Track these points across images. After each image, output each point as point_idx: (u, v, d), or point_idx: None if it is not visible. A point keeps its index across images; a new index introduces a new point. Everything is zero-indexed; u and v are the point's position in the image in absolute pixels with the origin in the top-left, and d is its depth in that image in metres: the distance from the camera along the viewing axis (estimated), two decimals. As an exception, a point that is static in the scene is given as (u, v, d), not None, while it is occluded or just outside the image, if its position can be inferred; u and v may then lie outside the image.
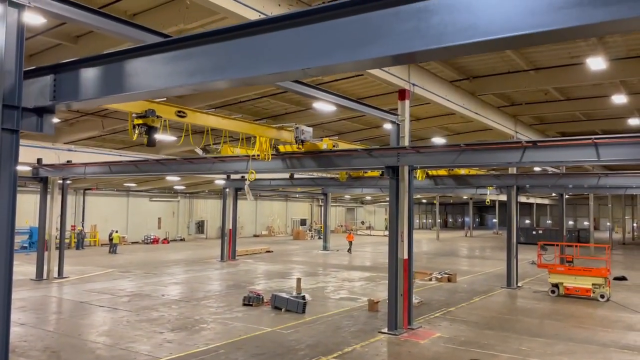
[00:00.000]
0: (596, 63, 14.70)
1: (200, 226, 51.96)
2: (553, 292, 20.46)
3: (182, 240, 48.30)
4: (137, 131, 11.19)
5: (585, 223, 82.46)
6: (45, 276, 22.63)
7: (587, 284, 19.82)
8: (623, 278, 25.50)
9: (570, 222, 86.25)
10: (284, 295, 16.84)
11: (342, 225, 69.08)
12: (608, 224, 56.02)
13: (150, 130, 11.08)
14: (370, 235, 63.31)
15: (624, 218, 64.55)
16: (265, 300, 17.32)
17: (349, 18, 4.26)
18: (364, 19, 4.18)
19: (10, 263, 5.66)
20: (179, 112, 11.70)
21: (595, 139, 11.14)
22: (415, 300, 16.89)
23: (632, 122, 23.58)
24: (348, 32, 4.26)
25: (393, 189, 14.29)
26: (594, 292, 19.63)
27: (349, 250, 39.27)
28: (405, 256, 14.35)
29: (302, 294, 17.30)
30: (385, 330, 13.96)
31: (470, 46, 3.77)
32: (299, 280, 18.34)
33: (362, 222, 73.53)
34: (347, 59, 4.27)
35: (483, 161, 13.01)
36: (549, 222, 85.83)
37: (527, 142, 11.97)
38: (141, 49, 5.57)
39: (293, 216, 63.21)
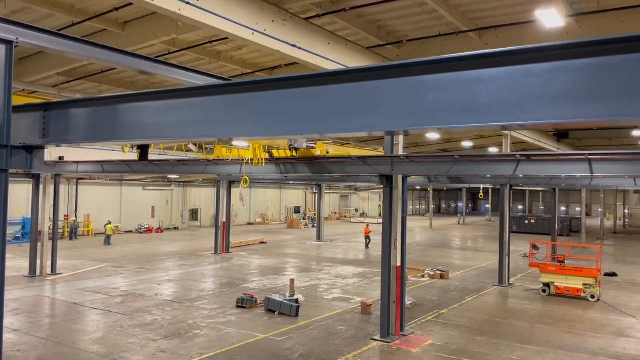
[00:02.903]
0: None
1: (194, 214, 51.93)
2: (544, 291, 20.67)
3: (176, 229, 48.27)
4: (129, 144, 11.11)
5: (578, 209, 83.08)
6: (38, 272, 22.62)
7: (578, 284, 20.03)
8: (613, 274, 25.75)
9: (563, 208, 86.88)
10: (277, 298, 16.90)
11: (336, 213, 69.23)
12: (600, 210, 56.34)
13: (143, 144, 10.99)
14: (364, 222, 63.42)
15: (615, 205, 64.85)
16: (259, 302, 17.40)
17: (346, 85, 4.20)
18: (360, 87, 4.12)
19: (2, 284, 5.54)
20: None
21: (589, 154, 11.17)
22: (407, 301, 17.04)
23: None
24: (343, 99, 4.19)
25: (387, 197, 14.28)
26: (584, 292, 19.85)
27: (367, 245, 36.53)
28: (399, 263, 14.42)
29: (295, 296, 17.37)
30: (378, 337, 14.08)
31: (463, 128, 3.73)
32: (292, 281, 18.40)
33: (356, 210, 73.67)
34: (340, 127, 4.21)
35: (477, 173, 13.02)
36: (542, 207, 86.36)
37: (522, 155, 11.97)
38: (133, 95, 5.48)
39: (287, 204, 63.24)
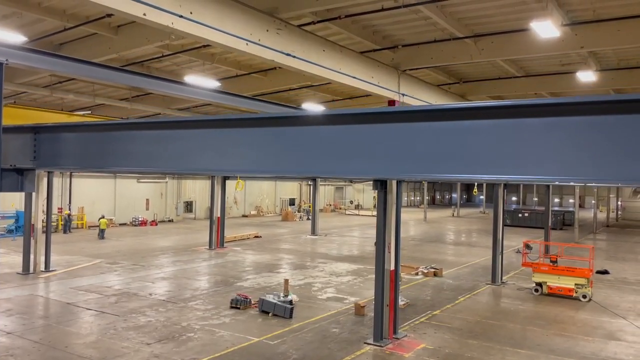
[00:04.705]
0: (586, 76, 14.67)
1: (189, 206, 51.85)
2: (537, 290, 20.80)
3: (171, 221, 48.19)
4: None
5: (571, 201, 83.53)
6: (32, 269, 22.52)
7: (570, 283, 20.15)
8: (605, 272, 25.88)
9: (556, 200, 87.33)
10: (271, 299, 16.94)
11: (330, 205, 69.30)
12: (593, 201, 56.55)
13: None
14: (359, 215, 63.64)
15: (608, 196, 65.12)
16: (253, 302, 17.44)
17: (335, 127, 4.17)
18: (351, 130, 4.09)
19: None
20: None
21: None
22: (401, 302, 17.12)
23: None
24: (333, 142, 4.16)
25: (381, 201, 14.28)
26: (576, 292, 19.98)
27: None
28: (392, 267, 14.46)
29: (289, 297, 17.42)
30: (371, 341, 14.14)
31: (454, 178, 3.72)
32: (286, 281, 18.44)
33: (351, 202, 73.78)
34: (330, 170, 4.19)
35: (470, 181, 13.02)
36: (536, 199, 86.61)
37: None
38: (126, 124, 5.43)
39: (282, 195, 63.23)
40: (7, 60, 6.11)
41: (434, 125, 3.74)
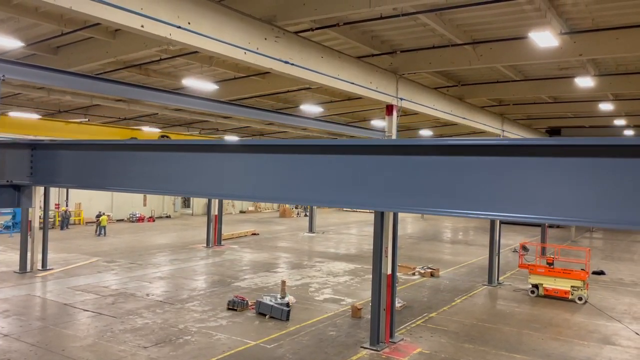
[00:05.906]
0: (584, 82, 14.69)
1: (186, 201, 51.83)
2: (533, 292, 20.88)
3: (168, 217, 48.20)
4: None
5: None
6: (29, 268, 22.53)
7: (566, 286, 20.24)
8: (601, 272, 25.98)
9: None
10: (268, 301, 16.97)
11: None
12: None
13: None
14: (357, 211, 63.65)
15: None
16: (249, 304, 17.47)
17: (335, 156, 4.17)
18: (349, 160, 4.09)
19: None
20: (163, 136, 11.51)
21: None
22: (398, 304, 17.15)
23: (618, 122, 23.77)
24: (333, 172, 4.16)
25: (378, 206, 14.28)
26: (572, 294, 20.07)
27: None
28: (389, 271, 14.50)
29: (286, 299, 17.46)
30: (368, 344, 14.19)
31: (448, 214, 3.73)
32: (283, 282, 18.48)
33: (348, 197, 73.82)
34: (327, 199, 4.19)
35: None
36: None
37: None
38: (122, 145, 5.43)
39: (279, 191, 63.15)
40: (4, 75, 6.09)
41: (430, 160, 3.74)
